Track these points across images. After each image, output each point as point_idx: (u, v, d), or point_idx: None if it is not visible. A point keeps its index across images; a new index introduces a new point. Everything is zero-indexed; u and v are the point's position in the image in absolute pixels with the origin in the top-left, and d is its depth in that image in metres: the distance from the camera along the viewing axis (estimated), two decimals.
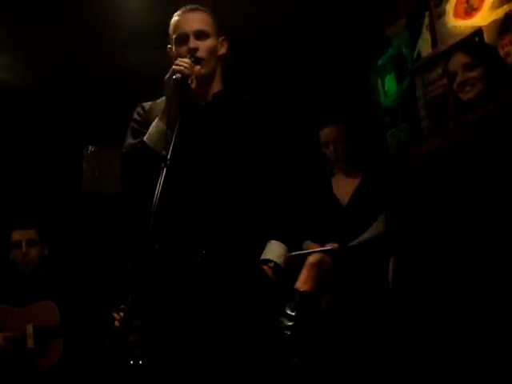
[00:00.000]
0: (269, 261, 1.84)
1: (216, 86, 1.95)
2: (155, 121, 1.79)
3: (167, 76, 1.74)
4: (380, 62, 3.77)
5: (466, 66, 2.14)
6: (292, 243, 1.96)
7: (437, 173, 2.10)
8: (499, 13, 2.72)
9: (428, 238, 2.10)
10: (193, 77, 1.76)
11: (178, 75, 1.70)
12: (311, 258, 2.61)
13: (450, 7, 3.07)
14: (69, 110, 4.49)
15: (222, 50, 1.94)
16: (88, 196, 4.74)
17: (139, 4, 3.59)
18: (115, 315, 2.73)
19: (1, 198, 4.21)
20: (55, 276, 3.11)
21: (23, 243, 3.02)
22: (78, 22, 3.62)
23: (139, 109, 1.95)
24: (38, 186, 4.41)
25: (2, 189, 4.26)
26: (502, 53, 2.57)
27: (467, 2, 2.94)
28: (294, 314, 2.41)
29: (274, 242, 1.89)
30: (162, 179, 1.56)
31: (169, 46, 1.94)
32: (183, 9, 1.91)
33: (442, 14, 3.13)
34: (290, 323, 2.40)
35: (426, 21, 3.26)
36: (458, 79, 2.16)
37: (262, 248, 1.88)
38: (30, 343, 2.83)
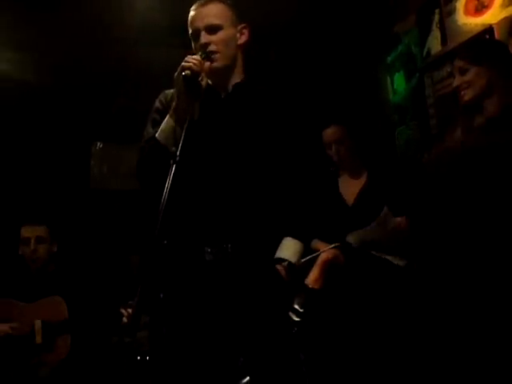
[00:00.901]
0: (282, 260, 1.84)
1: (237, 77, 1.93)
2: (166, 117, 1.79)
3: (176, 73, 1.74)
4: (389, 59, 3.75)
5: (460, 70, 2.15)
6: (305, 240, 1.95)
7: (452, 179, 2.09)
8: (510, 10, 2.70)
9: (446, 240, 2.09)
10: (203, 74, 1.75)
11: (188, 72, 1.70)
12: (323, 256, 2.61)
13: (460, 4, 3.05)
14: (77, 107, 4.49)
15: (243, 39, 1.91)
16: (96, 192, 4.75)
17: (148, 1, 3.59)
18: (123, 311, 2.74)
19: (9, 193, 4.22)
20: (63, 272, 3.12)
21: (32, 240, 3.03)
22: (88, 18, 3.63)
23: (161, 97, 1.94)
24: (46, 183, 4.42)
25: (11, 185, 4.28)
26: None
27: (477, 0, 2.92)
28: (302, 310, 2.41)
29: (288, 239, 1.87)
30: (171, 176, 1.56)
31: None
32: (197, 2, 1.89)
33: (452, 12, 3.11)
34: (298, 319, 2.40)
35: (436, 18, 3.24)
36: (454, 84, 2.18)
37: (274, 245, 1.86)
38: (38, 338, 2.85)
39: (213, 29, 1.84)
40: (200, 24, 1.84)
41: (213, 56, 1.81)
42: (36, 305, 2.95)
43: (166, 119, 1.79)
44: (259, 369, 1.72)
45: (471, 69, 2.11)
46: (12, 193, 4.24)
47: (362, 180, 2.99)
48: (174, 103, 1.78)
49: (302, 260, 2.00)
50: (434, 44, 3.27)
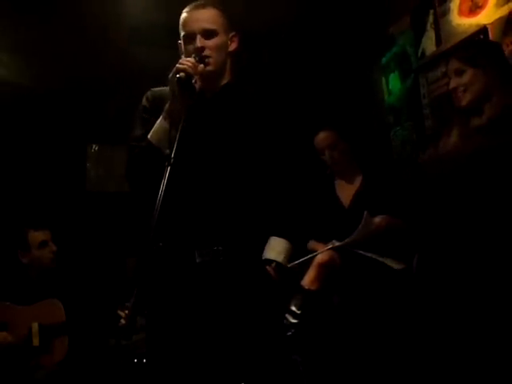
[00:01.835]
0: (270, 261, 1.84)
1: (224, 80, 1.94)
2: (159, 119, 1.79)
3: (171, 75, 1.73)
4: (384, 60, 3.76)
5: (456, 72, 2.13)
6: (293, 238, 1.95)
7: (450, 182, 2.09)
8: (504, 10, 2.71)
9: (444, 242, 2.08)
10: (196, 76, 1.76)
11: (182, 74, 1.70)
12: (319, 257, 2.61)
13: (454, 5, 3.06)
14: (72, 109, 4.49)
15: (232, 46, 1.93)
16: (91, 194, 4.74)
17: (143, 2, 3.59)
18: (120, 313, 2.74)
19: (5, 197, 4.21)
20: (60, 274, 3.13)
21: (50, 242, 3.11)
22: (82, 19, 3.62)
23: (148, 94, 1.94)
24: (42, 185, 4.41)
25: (7, 188, 4.26)
26: (506, 51, 2.56)
27: (472, 0, 2.93)
28: (299, 312, 2.41)
29: (273, 238, 1.88)
30: (165, 178, 1.56)
31: (179, 41, 1.93)
32: (192, 5, 1.90)
33: (446, 12, 3.12)
34: (295, 321, 2.39)
35: (431, 19, 3.25)
36: (450, 85, 2.16)
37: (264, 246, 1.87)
38: (36, 341, 2.85)
39: (209, 34, 1.84)
40: (196, 27, 1.84)
41: (206, 60, 1.81)
42: (33, 307, 2.95)
43: (158, 120, 1.79)
44: (254, 371, 1.72)
45: (468, 70, 2.09)
46: (8, 196, 4.22)
47: (358, 182, 2.99)
48: (167, 105, 1.78)
49: (297, 261, 2.00)
50: (429, 44, 3.28)
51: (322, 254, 2.64)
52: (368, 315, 2.63)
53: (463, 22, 2.99)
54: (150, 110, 1.88)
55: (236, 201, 1.81)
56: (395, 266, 2.60)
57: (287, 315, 2.41)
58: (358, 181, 2.99)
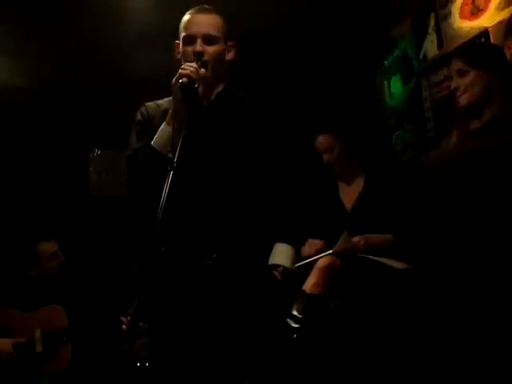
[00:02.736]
0: (277, 266, 1.84)
1: (219, 87, 1.95)
2: (163, 125, 1.79)
3: (174, 80, 1.74)
4: (386, 63, 3.76)
5: (459, 72, 2.13)
6: (297, 243, 1.96)
7: (450, 184, 2.09)
8: (505, 13, 2.71)
9: (445, 244, 2.08)
10: (199, 81, 1.76)
11: (185, 79, 1.70)
12: (321, 262, 2.60)
13: (455, 8, 3.06)
14: (74, 113, 4.49)
15: (230, 55, 1.94)
16: (94, 199, 4.74)
17: (146, 7, 3.60)
18: (123, 319, 2.75)
19: (7, 202, 4.22)
20: (63, 280, 3.14)
21: (58, 252, 3.20)
22: (85, 24, 3.62)
23: (143, 109, 1.95)
24: (43, 190, 4.41)
25: (8, 194, 4.27)
26: (508, 54, 2.56)
27: (473, 3, 2.93)
28: (301, 316, 2.41)
29: (280, 244, 1.88)
30: (168, 182, 1.56)
31: (176, 41, 1.93)
32: (196, 8, 1.90)
33: (447, 15, 3.13)
34: (297, 325, 2.39)
35: (432, 22, 3.25)
36: (452, 85, 2.16)
37: (268, 251, 1.87)
38: (39, 347, 2.86)
39: (210, 39, 1.85)
40: (198, 31, 1.84)
41: (206, 66, 1.81)
42: (35, 313, 2.96)
43: (161, 127, 1.79)
44: (257, 375, 1.72)
45: (471, 72, 2.09)
46: (9, 202, 4.23)
47: (360, 185, 2.98)
48: (170, 110, 1.78)
49: (296, 265, 2.00)
50: (431, 48, 3.28)
51: (323, 258, 2.64)
52: (370, 319, 2.63)
53: (464, 25, 2.99)
54: (145, 124, 1.89)
55: (237, 206, 1.81)
56: (397, 265, 2.60)
57: (289, 320, 2.41)
58: (360, 183, 2.98)
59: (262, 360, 1.73)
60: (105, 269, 4.08)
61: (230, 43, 1.93)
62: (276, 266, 1.84)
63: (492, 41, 2.75)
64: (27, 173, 4.41)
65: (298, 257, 2.00)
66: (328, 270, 2.58)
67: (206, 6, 1.92)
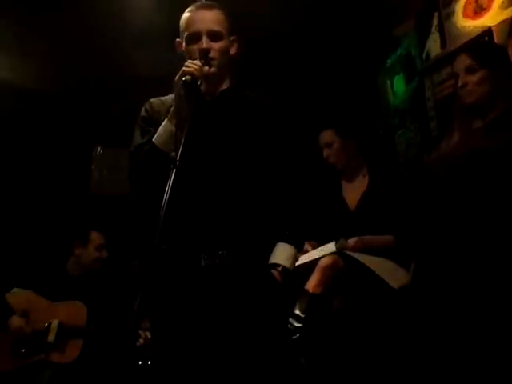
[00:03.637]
0: (277, 265, 1.84)
1: (224, 84, 1.94)
2: (164, 121, 1.78)
3: (177, 77, 1.73)
4: (389, 62, 3.76)
5: (468, 69, 2.12)
6: (299, 244, 1.96)
7: (452, 184, 2.08)
8: (509, 12, 2.71)
9: (447, 243, 2.08)
10: (202, 79, 1.75)
11: (188, 77, 1.69)
12: (323, 261, 2.60)
13: (458, 7, 3.05)
14: (77, 112, 4.50)
15: (233, 50, 1.92)
16: (96, 197, 4.74)
17: (149, 5, 3.60)
18: (141, 333, 2.80)
19: (11, 200, 4.23)
20: (90, 279, 3.26)
21: (104, 248, 3.39)
22: (87, 24, 3.63)
23: (147, 105, 1.94)
24: (47, 188, 4.42)
25: (12, 192, 4.28)
26: (511, 53, 2.55)
27: (476, 2, 2.93)
28: (303, 315, 2.41)
29: (281, 244, 1.87)
30: (171, 180, 1.55)
31: (177, 39, 1.92)
32: (198, 4, 1.88)
33: (450, 14, 3.12)
34: (299, 325, 2.39)
35: (435, 21, 3.25)
36: (459, 82, 2.15)
37: (270, 250, 1.87)
38: (51, 337, 2.92)
39: (216, 36, 1.84)
40: (202, 27, 1.83)
41: (211, 62, 1.80)
42: (58, 305, 3.03)
43: (163, 124, 1.78)
44: (259, 374, 1.72)
45: (480, 70, 2.09)
46: (13, 200, 4.24)
47: (364, 184, 2.96)
48: (172, 108, 1.77)
49: (297, 263, 1.99)
50: (434, 47, 3.28)
51: (325, 257, 2.63)
52: (372, 318, 2.63)
53: (468, 24, 2.98)
54: (149, 121, 1.88)
55: (240, 204, 1.80)
56: (394, 284, 2.58)
57: (291, 319, 2.41)
58: (364, 182, 2.96)
59: (264, 359, 1.73)
60: (105, 269, 4.10)
61: (232, 38, 1.92)
62: (276, 265, 1.83)
63: (495, 40, 2.75)
64: (29, 169, 4.42)
65: (298, 257, 1.99)
66: (330, 269, 2.58)
67: (207, 2, 1.90)
